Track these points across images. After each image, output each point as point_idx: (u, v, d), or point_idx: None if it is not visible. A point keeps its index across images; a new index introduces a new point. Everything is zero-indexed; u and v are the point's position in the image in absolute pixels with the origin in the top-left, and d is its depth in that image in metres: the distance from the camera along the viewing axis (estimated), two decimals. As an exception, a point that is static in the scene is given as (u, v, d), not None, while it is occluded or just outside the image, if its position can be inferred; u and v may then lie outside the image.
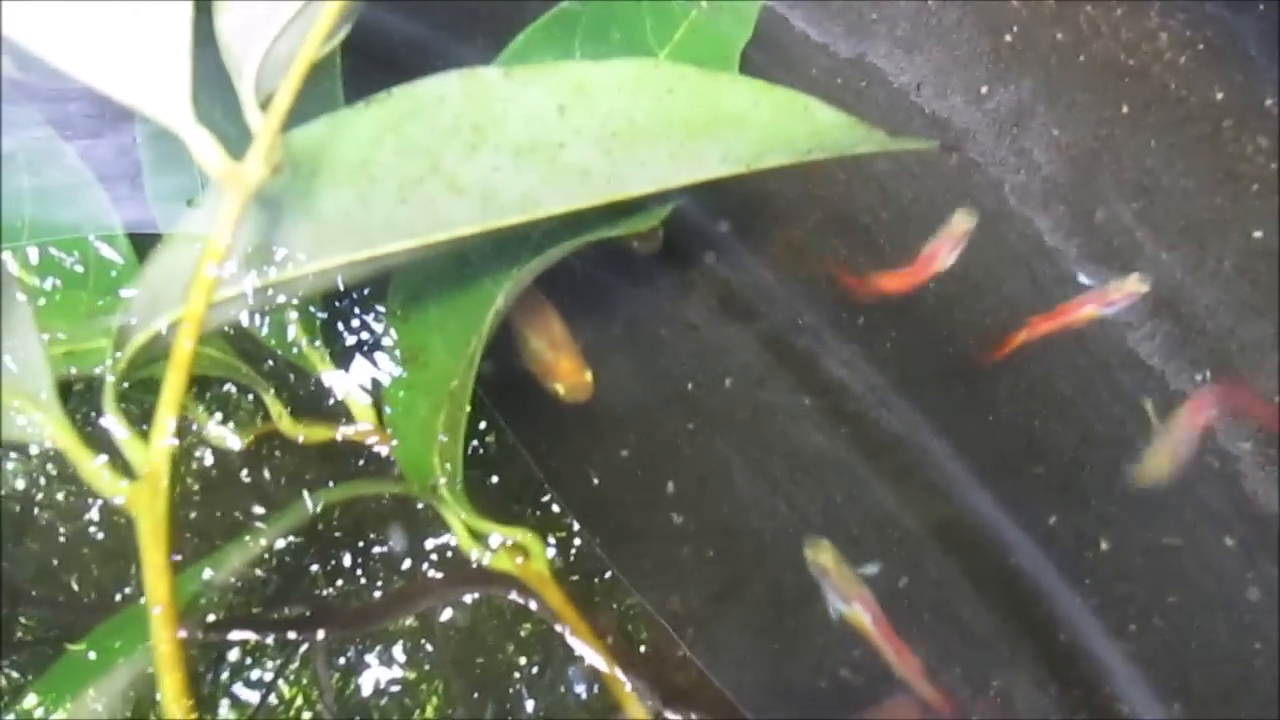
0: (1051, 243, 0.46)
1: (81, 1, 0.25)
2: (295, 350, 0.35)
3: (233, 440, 0.37)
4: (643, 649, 0.39)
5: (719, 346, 0.46)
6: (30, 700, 0.32)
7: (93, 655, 0.29)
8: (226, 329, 0.34)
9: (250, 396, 0.40)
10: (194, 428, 0.39)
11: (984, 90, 0.47)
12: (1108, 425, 0.42)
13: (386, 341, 0.39)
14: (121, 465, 0.26)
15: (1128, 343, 0.44)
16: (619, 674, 0.36)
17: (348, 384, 0.36)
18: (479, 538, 0.34)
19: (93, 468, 0.25)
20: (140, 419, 0.28)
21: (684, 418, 0.44)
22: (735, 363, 0.45)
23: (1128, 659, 0.38)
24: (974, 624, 0.40)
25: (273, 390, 0.36)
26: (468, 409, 0.32)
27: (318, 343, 0.36)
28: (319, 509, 0.31)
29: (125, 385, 0.28)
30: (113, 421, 0.25)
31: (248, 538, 0.28)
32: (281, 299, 0.29)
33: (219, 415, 0.39)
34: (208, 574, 0.27)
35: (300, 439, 0.36)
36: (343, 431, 0.36)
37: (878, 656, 0.38)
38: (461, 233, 0.30)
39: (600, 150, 0.30)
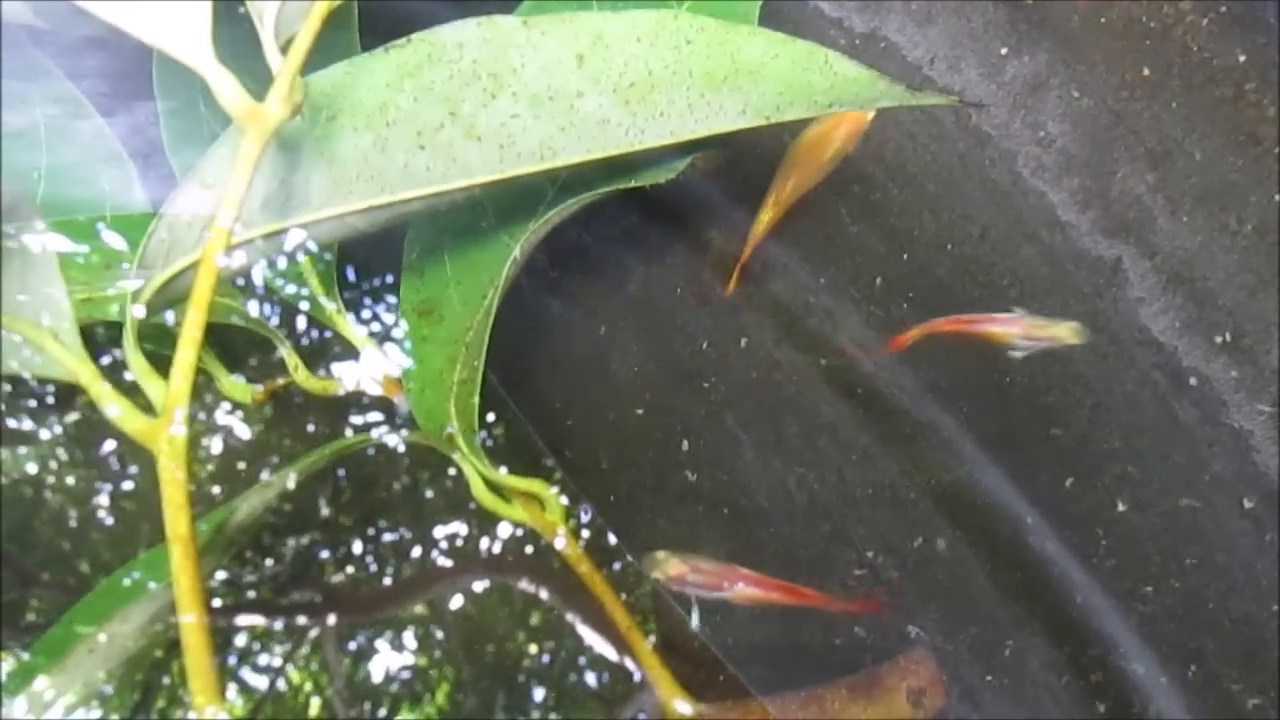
0: (1065, 216, 0.45)
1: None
2: (309, 301, 0.35)
3: (243, 395, 0.37)
4: (652, 639, 0.39)
5: (730, 316, 0.46)
6: (41, 683, 0.32)
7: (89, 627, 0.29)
8: (239, 283, 0.34)
9: (254, 362, 0.40)
10: (204, 402, 0.39)
11: (999, 62, 0.47)
12: (1124, 393, 0.42)
13: (400, 325, 0.39)
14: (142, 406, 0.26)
15: (1140, 318, 0.44)
16: (629, 663, 0.36)
17: (361, 337, 0.36)
18: (495, 489, 0.34)
19: (114, 402, 0.25)
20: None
21: (697, 384, 0.44)
22: (746, 331, 0.45)
23: (1143, 621, 0.38)
24: (987, 589, 0.40)
25: (288, 342, 0.36)
26: (484, 360, 0.32)
27: (332, 294, 0.36)
28: (334, 473, 0.31)
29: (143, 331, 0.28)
30: (132, 359, 0.25)
31: (269, 479, 0.28)
32: (298, 243, 0.29)
33: (229, 371, 0.39)
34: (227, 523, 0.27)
35: (315, 391, 0.36)
36: (357, 382, 0.36)
37: (893, 617, 0.38)
38: (479, 180, 0.30)
39: (618, 100, 0.30)
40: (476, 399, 0.32)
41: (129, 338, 0.25)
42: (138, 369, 0.25)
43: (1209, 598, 0.38)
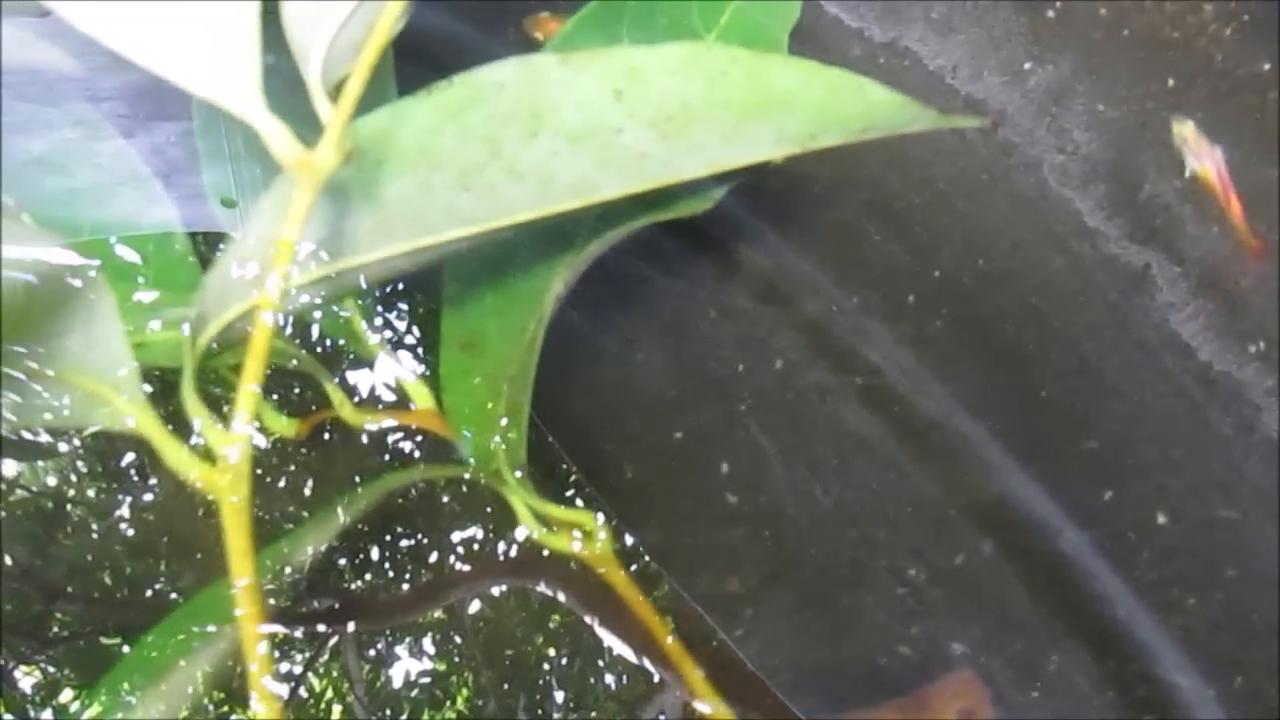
0: (1092, 223, 0.46)
1: (157, 6, 0.25)
2: (352, 338, 0.36)
3: (287, 429, 0.37)
4: (670, 639, 0.39)
5: (762, 333, 0.46)
6: (67, 695, 0.32)
7: (155, 654, 0.30)
8: (286, 319, 0.35)
9: (297, 391, 0.41)
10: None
11: (1022, 70, 0.47)
12: (1158, 403, 0.42)
13: (418, 332, 0.39)
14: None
15: (1170, 324, 0.44)
16: (648, 664, 0.36)
17: (403, 372, 0.37)
18: (542, 521, 0.35)
19: (179, 453, 0.25)
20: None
21: (733, 406, 0.44)
22: (779, 349, 0.46)
23: (1186, 634, 0.39)
24: (1028, 605, 0.40)
25: (336, 380, 0.36)
26: (529, 394, 0.32)
27: (375, 330, 0.36)
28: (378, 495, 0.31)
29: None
30: (192, 407, 0.26)
31: (328, 513, 0.29)
32: (346, 286, 0.29)
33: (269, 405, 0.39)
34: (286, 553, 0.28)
35: (358, 425, 0.36)
36: (401, 418, 0.37)
37: (936, 634, 0.39)
38: (521, 218, 0.30)
39: (655, 134, 0.31)
40: (523, 433, 0.32)
41: (188, 386, 0.26)
42: (199, 417, 0.25)
43: (1251, 608, 0.38)
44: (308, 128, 0.27)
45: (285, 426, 0.36)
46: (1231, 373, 0.42)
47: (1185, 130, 0.41)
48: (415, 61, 0.35)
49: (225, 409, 0.37)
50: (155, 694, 0.26)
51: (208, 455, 0.26)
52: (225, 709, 0.34)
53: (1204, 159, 0.40)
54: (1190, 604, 0.39)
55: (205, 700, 0.31)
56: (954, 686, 0.37)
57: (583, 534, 0.34)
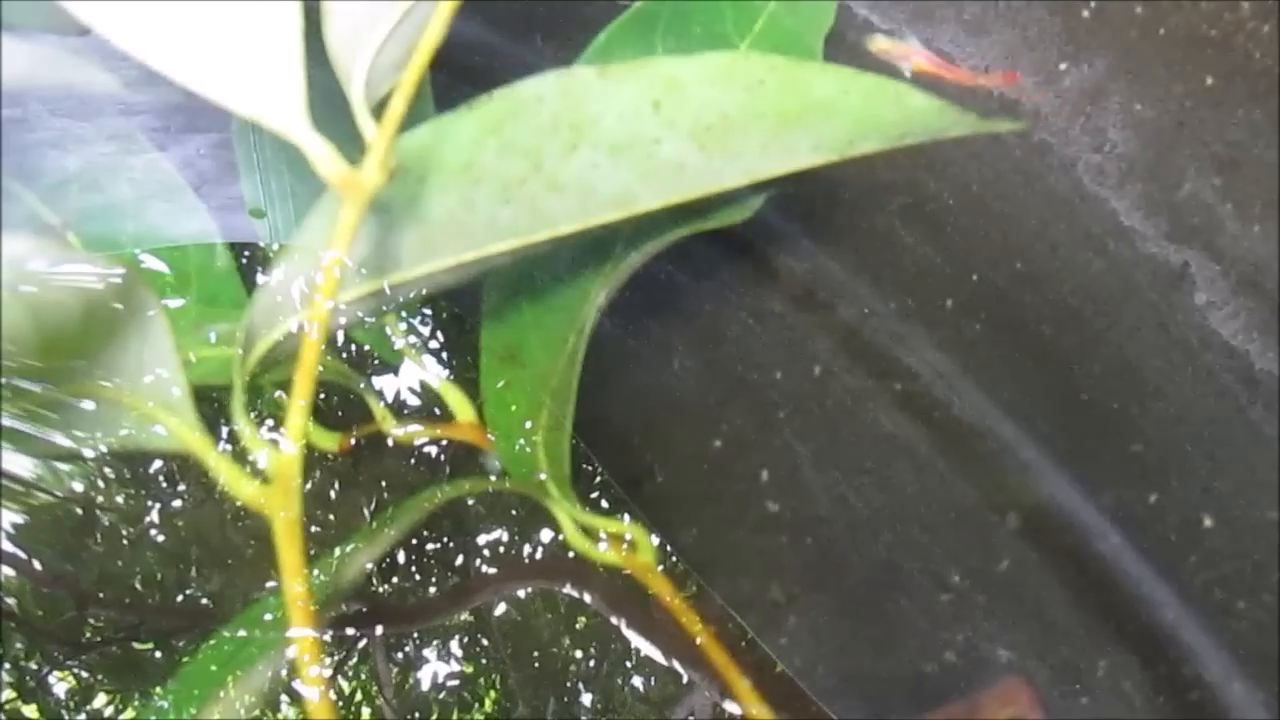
0: (1129, 223, 0.45)
1: (200, 27, 0.25)
2: (388, 351, 0.36)
3: (330, 443, 0.37)
4: (698, 640, 0.39)
5: (798, 339, 0.46)
6: (100, 700, 0.32)
7: (214, 668, 0.30)
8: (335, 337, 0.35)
9: (328, 398, 0.41)
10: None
11: (1057, 70, 0.46)
12: (1200, 403, 0.42)
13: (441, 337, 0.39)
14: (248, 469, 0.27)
15: (1210, 323, 0.43)
16: (677, 665, 0.36)
17: (445, 385, 0.37)
18: (586, 532, 0.35)
19: (233, 473, 0.25)
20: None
21: (772, 414, 0.44)
22: (816, 354, 0.45)
23: (1236, 638, 0.38)
24: (1076, 610, 0.40)
25: (381, 400, 0.36)
26: (572, 407, 0.32)
27: (415, 343, 0.36)
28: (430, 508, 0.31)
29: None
30: (243, 426, 0.26)
31: (379, 527, 0.29)
32: (390, 302, 0.29)
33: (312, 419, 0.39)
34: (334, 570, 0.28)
35: (402, 440, 0.36)
36: (445, 433, 0.37)
37: (980, 641, 0.38)
38: (562, 231, 0.30)
39: (695, 144, 0.31)
40: (566, 446, 0.32)
41: (238, 405, 0.26)
42: (249, 437, 0.26)
43: (1303, 610, 0.38)
44: (349, 141, 0.28)
45: (328, 441, 0.36)
46: (1274, 371, 0.42)
47: (879, 43, 0.41)
48: (442, 69, 0.35)
49: (266, 420, 0.37)
50: (215, 704, 0.26)
51: (257, 472, 0.26)
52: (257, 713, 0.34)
53: (911, 56, 0.40)
54: (1239, 607, 0.38)
55: (237, 705, 0.32)
56: (1002, 693, 0.37)
57: (626, 545, 0.34)
